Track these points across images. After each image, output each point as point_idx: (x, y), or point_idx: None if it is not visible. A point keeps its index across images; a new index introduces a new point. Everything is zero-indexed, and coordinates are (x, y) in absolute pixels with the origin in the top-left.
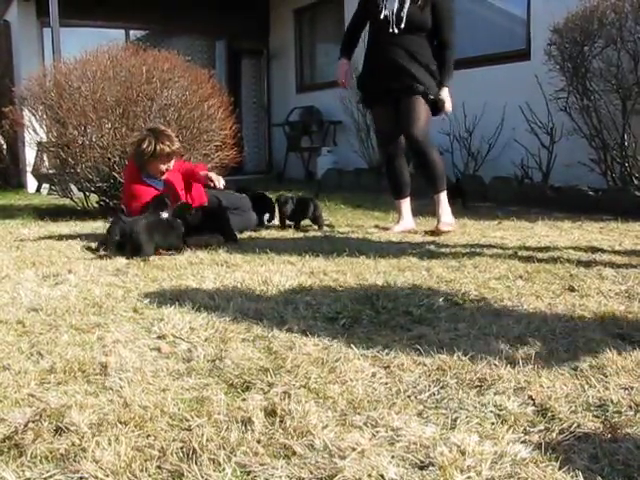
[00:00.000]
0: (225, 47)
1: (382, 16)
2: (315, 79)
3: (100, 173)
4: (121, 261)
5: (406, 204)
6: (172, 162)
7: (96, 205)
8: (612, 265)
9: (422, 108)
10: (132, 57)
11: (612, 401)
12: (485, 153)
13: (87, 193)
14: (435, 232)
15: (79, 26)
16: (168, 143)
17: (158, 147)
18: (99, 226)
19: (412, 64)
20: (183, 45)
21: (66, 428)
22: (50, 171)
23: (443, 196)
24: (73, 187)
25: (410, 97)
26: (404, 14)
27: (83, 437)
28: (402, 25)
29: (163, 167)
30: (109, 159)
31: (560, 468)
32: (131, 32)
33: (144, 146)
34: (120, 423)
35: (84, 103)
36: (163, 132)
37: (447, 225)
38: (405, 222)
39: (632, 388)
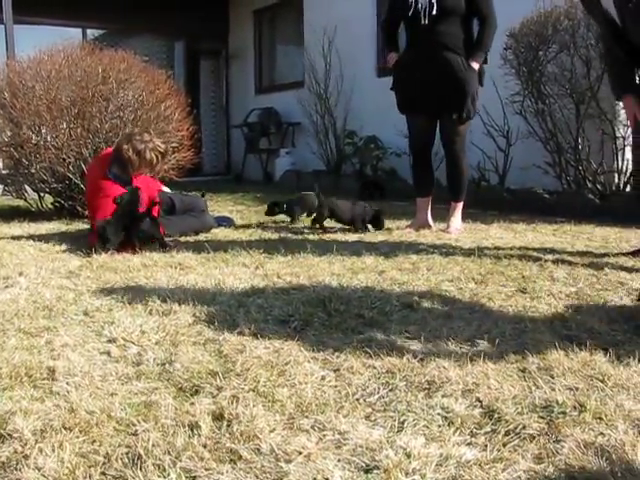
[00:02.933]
0: (184, 48)
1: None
2: (274, 80)
3: (55, 174)
4: (74, 263)
5: (427, 204)
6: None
7: (51, 206)
8: (564, 267)
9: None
10: (88, 57)
11: (557, 402)
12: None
13: (42, 194)
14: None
15: (34, 24)
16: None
17: (154, 162)
18: (53, 227)
19: (447, 78)
20: (142, 45)
21: (9, 435)
22: (3, 171)
23: (460, 206)
24: (27, 188)
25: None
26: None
27: (26, 444)
28: (434, 12)
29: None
30: (64, 160)
31: (504, 469)
32: (88, 31)
33: (148, 156)
34: (65, 429)
35: (38, 103)
36: (160, 146)
37: (455, 230)
38: (419, 220)
39: (577, 389)
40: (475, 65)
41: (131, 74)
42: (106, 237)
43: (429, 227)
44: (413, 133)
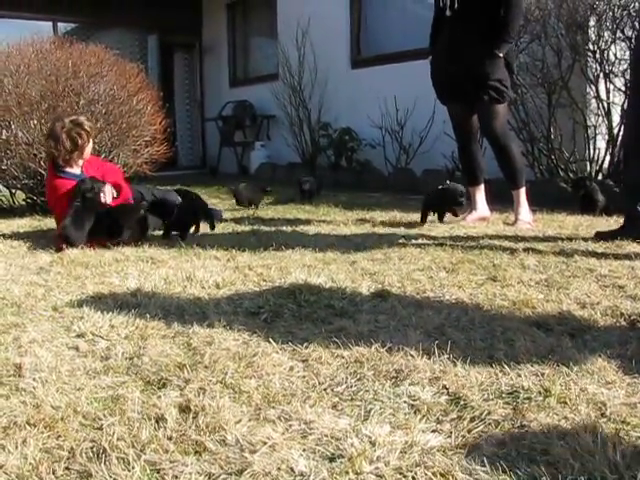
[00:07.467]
0: (157, 41)
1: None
2: (248, 73)
3: (26, 170)
4: (45, 259)
5: (480, 192)
6: (91, 143)
7: (23, 203)
8: (535, 255)
9: (498, 107)
10: (57, 51)
11: (523, 388)
12: (417, 146)
13: (13, 190)
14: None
15: (2, 17)
16: (88, 127)
17: (79, 142)
18: (25, 224)
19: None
20: (114, 39)
21: None
22: None
23: (522, 192)
24: None
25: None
26: None
27: None
28: (455, 6)
29: (88, 151)
30: (35, 156)
31: (467, 455)
32: (60, 25)
33: (68, 145)
34: (29, 425)
35: (7, 98)
36: (74, 121)
37: (525, 223)
38: (480, 211)
39: (543, 374)
40: (499, 53)
41: (102, 68)
42: (68, 238)
43: (486, 217)
44: (452, 121)
